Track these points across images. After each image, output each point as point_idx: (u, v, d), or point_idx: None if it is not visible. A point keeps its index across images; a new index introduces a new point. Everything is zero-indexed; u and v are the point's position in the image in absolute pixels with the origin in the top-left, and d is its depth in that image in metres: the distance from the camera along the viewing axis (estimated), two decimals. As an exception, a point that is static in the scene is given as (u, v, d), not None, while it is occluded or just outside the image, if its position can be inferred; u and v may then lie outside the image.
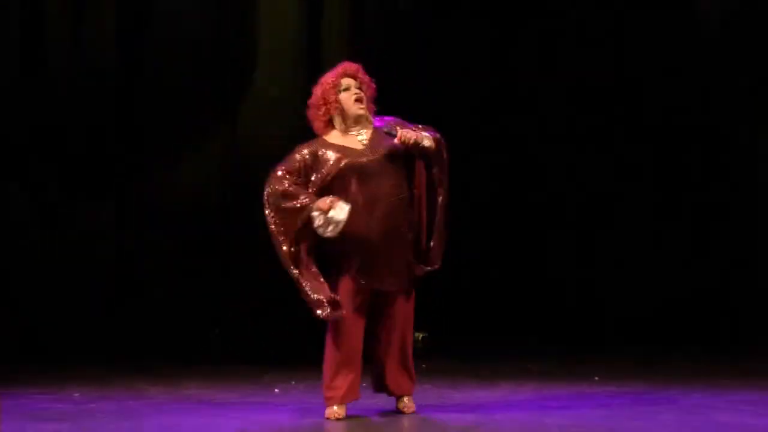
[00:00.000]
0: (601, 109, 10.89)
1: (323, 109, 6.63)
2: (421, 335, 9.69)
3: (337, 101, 6.61)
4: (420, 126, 6.74)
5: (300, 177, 6.52)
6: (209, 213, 10.26)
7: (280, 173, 6.50)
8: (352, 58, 6.88)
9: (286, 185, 6.44)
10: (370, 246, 6.51)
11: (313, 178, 6.54)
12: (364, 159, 6.54)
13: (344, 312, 6.47)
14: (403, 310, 6.72)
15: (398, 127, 6.60)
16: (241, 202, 9.57)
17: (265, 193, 6.53)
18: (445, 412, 7.01)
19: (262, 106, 10.28)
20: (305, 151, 6.56)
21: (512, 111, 10.85)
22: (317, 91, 6.65)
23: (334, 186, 6.50)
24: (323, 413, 6.83)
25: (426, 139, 6.57)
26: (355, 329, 6.57)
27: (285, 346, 9.47)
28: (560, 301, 10.86)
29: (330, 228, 6.34)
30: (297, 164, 6.53)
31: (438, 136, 6.67)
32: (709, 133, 10.86)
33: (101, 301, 10.17)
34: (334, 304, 6.41)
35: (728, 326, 10.79)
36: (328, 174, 6.52)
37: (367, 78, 6.72)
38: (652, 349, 10.30)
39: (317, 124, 6.67)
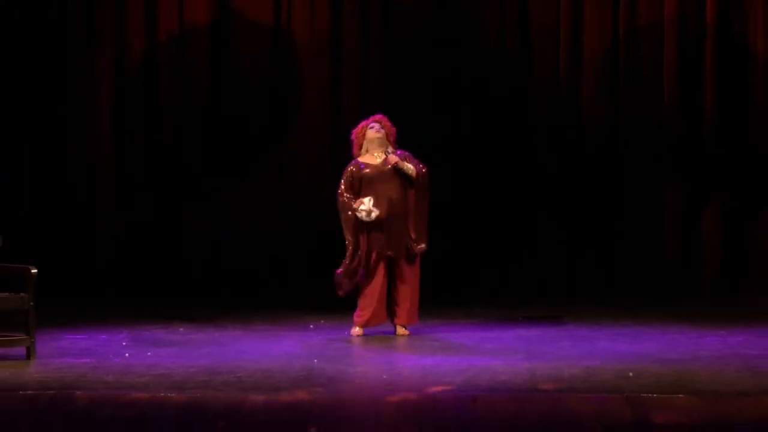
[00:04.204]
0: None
1: (359, 138, 9.35)
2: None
3: (365, 134, 9.35)
4: (412, 158, 9.15)
5: (352, 186, 9.17)
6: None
7: (341, 189, 9.21)
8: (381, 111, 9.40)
9: (345, 199, 9.15)
10: (379, 225, 9.15)
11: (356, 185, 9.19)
12: (378, 171, 9.20)
13: (362, 269, 9.07)
14: (408, 271, 9.15)
15: (395, 154, 9.18)
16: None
17: (338, 199, 9.21)
18: (419, 342, 8.76)
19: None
20: (350, 170, 9.26)
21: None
22: (358, 127, 9.38)
23: (362, 186, 9.17)
24: (344, 337, 8.90)
25: (408, 168, 9.13)
26: (373, 280, 9.12)
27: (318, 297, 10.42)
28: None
29: (363, 215, 9.06)
30: (348, 180, 9.21)
31: (420, 169, 9.14)
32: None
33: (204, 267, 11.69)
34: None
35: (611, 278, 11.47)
36: (360, 180, 9.20)
37: (388, 124, 9.31)
38: (557, 300, 11.06)
39: (354, 147, 9.38)
